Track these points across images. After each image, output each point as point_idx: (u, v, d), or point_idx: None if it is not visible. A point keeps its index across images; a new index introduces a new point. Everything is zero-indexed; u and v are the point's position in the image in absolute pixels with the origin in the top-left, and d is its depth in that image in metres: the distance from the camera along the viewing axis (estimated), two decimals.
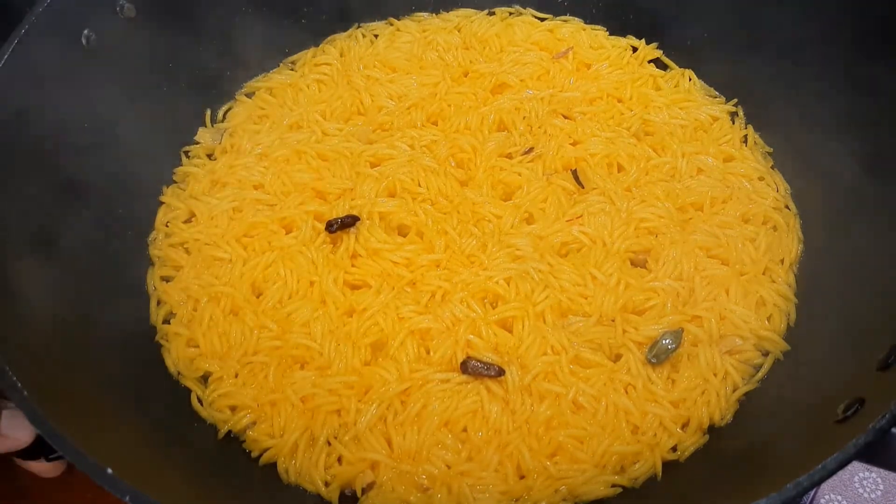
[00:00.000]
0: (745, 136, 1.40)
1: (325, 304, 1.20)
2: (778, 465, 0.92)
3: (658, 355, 1.13)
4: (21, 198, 1.09)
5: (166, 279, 1.27)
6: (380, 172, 1.33)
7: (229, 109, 1.47)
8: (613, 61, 1.49)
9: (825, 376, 1.06)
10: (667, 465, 1.08)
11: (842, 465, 0.81)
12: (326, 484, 1.08)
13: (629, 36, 1.54)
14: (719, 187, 1.31)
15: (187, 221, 1.33)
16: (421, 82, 1.46)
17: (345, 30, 1.57)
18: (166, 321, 1.23)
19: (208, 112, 1.46)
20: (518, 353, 1.14)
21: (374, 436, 1.09)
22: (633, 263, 1.25)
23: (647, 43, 1.52)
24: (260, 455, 1.11)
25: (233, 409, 1.14)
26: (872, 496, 1.18)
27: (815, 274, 1.23)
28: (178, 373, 1.18)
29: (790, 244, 1.26)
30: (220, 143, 1.41)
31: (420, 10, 1.60)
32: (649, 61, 1.51)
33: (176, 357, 1.19)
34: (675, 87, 1.47)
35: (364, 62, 1.50)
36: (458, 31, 1.56)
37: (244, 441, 1.13)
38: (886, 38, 1.18)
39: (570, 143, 1.36)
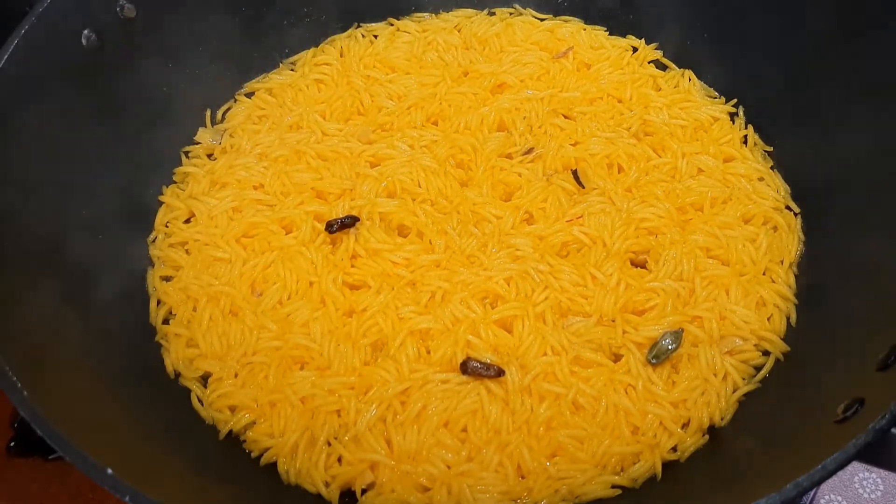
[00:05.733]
0: (745, 137, 1.40)
1: (325, 305, 1.20)
2: (778, 465, 0.92)
3: (658, 356, 1.13)
4: (20, 197, 1.09)
5: (166, 279, 1.27)
6: (379, 173, 1.33)
7: (229, 109, 1.47)
8: (613, 61, 1.49)
9: (825, 376, 1.06)
10: (667, 465, 1.08)
11: (842, 465, 0.81)
12: (326, 484, 1.08)
13: (629, 36, 1.54)
14: (719, 187, 1.31)
15: (187, 221, 1.33)
16: (421, 82, 1.46)
17: (345, 30, 1.57)
18: (166, 321, 1.23)
19: (208, 112, 1.46)
20: (518, 354, 1.13)
21: (373, 436, 1.09)
22: (634, 264, 1.25)
23: (647, 43, 1.52)
24: (260, 455, 1.11)
25: (232, 409, 1.14)
26: (872, 496, 1.18)
27: (815, 274, 1.23)
28: (178, 373, 1.18)
29: (790, 245, 1.26)
30: (219, 144, 1.41)
31: (420, 10, 1.60)
32: (649, 62, 1.51)
33: (175, 357, 1.19)
34: (675, 87, 1.47)
35: (364, 62, 1.50)
36: (458, 31, 1.56)
37: (244, 441, 1.13)
38: (886, 37, 1.18)
39: (570, 144, 1.36)
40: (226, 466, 1.10)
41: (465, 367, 1.11)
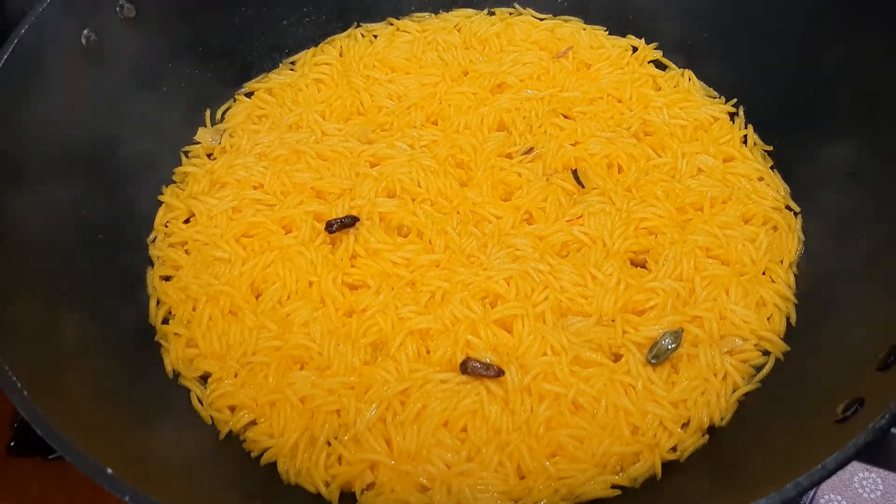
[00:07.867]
0: (745, 136, 1.40)
1: (325, 305, 1.20)
2: (778, 465, 0.92)
3: (658, 355, 1.13)
4: (20, 197, 1.09)
5: (166, 279, 1.27)
6: (379, 172, 1.33)
7: (228, 109, 1.47)
8: (613, 61, 1.49)
9: (825, 376, 1.06)
10: (667, 465, 1.08)
11: (841, 465, 0.82)
12: (326, 484, 1.08)
13: (629, 36, 1.54)
14: (719, 187, 1.31)
15: (187, 221, 1.33)
16: (420, 82, 1.46)
17: (345, 30, 1.57)
18: (165, 321, 1.23)
19: (208, 112, 1.46)
20: (517, 354, 1.13)
21: (373, 436, 1.08)
22: (633, 263, 1.25)
23: (647, 43, 1.52)
24: (260, 455, 1.11)
25: (232, 409, 1.14)
26: (872, 496, 1.18)
27: (815, 274, 1.23)
28: (178, 373, 1.18)
29: (790, 244, 1.26)
30: (219, 143, 1.41)
31: (420, 10, 1.60)
32: (649, 61, 1.51)
33: (175, 357, 1.19)
34: (675, 87, 1.47)
35: (364, 62, 1.50)
36: (458, 31, 1.56)
37: (244, 441, 1.13)
38: (887, 37, 1.18)
39: (570, 143, 1.36)
40: (226, 467, 1.10)
41: (465, 367, 1.11)
